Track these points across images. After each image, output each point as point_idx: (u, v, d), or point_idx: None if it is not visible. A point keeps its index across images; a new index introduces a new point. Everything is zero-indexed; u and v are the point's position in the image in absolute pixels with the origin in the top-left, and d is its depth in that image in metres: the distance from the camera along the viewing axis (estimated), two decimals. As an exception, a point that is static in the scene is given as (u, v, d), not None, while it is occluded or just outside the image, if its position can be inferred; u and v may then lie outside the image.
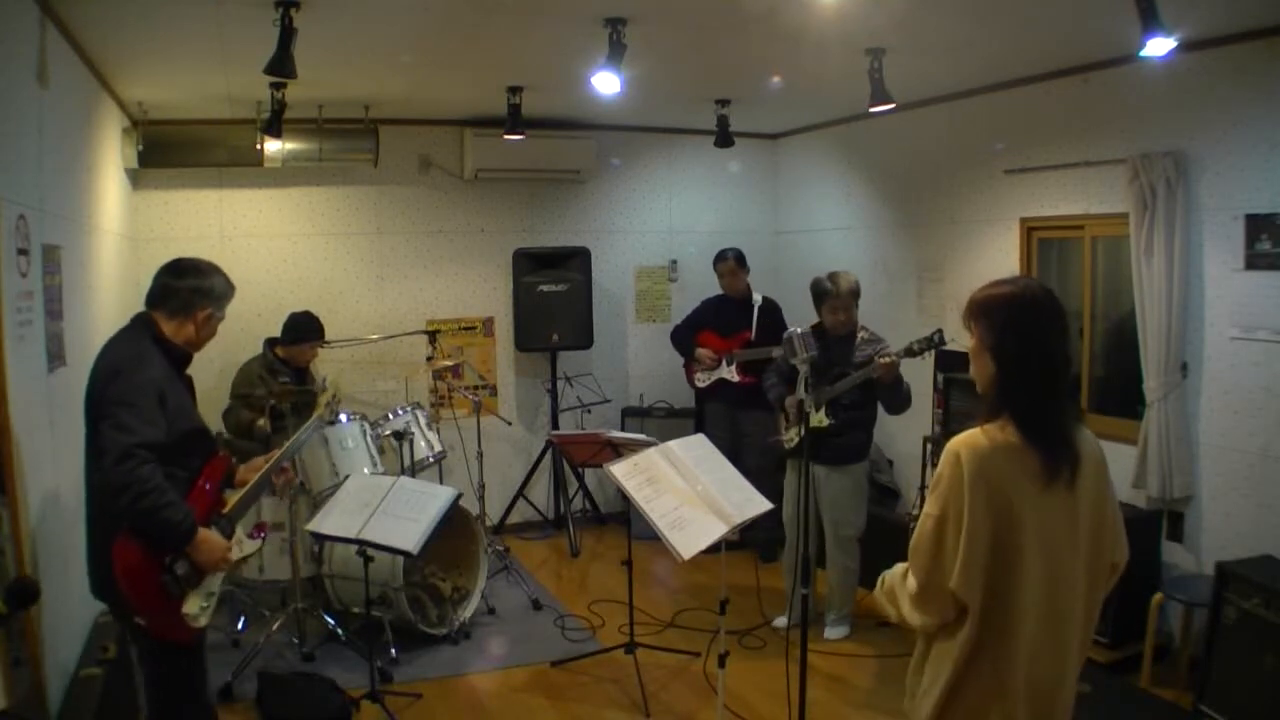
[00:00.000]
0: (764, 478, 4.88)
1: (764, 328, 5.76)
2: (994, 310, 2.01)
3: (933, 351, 4.23)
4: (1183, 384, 4.18)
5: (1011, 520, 1.91)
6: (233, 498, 2.89)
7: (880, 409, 4.52)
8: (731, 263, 5.86)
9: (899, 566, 2.17)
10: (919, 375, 4.93)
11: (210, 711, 3.01)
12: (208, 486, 2.79)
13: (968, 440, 1.95)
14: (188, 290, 2.82)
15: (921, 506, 2.10)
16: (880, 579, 2.24)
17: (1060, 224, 4.89)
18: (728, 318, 5.92)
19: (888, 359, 4.16)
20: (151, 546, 2.58)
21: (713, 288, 6.38)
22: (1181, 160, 4.11)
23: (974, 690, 1.97)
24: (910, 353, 4.17)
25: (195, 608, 2.66)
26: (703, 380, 5.93)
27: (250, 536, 2.93)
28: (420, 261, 6.35)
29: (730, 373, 5.76)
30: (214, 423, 5.15)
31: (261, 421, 4.66)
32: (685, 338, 6.06)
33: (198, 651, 2.84)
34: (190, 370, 2.98)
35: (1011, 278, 2.10)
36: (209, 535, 2.68)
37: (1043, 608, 1.94)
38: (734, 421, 5.82)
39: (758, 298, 5.88)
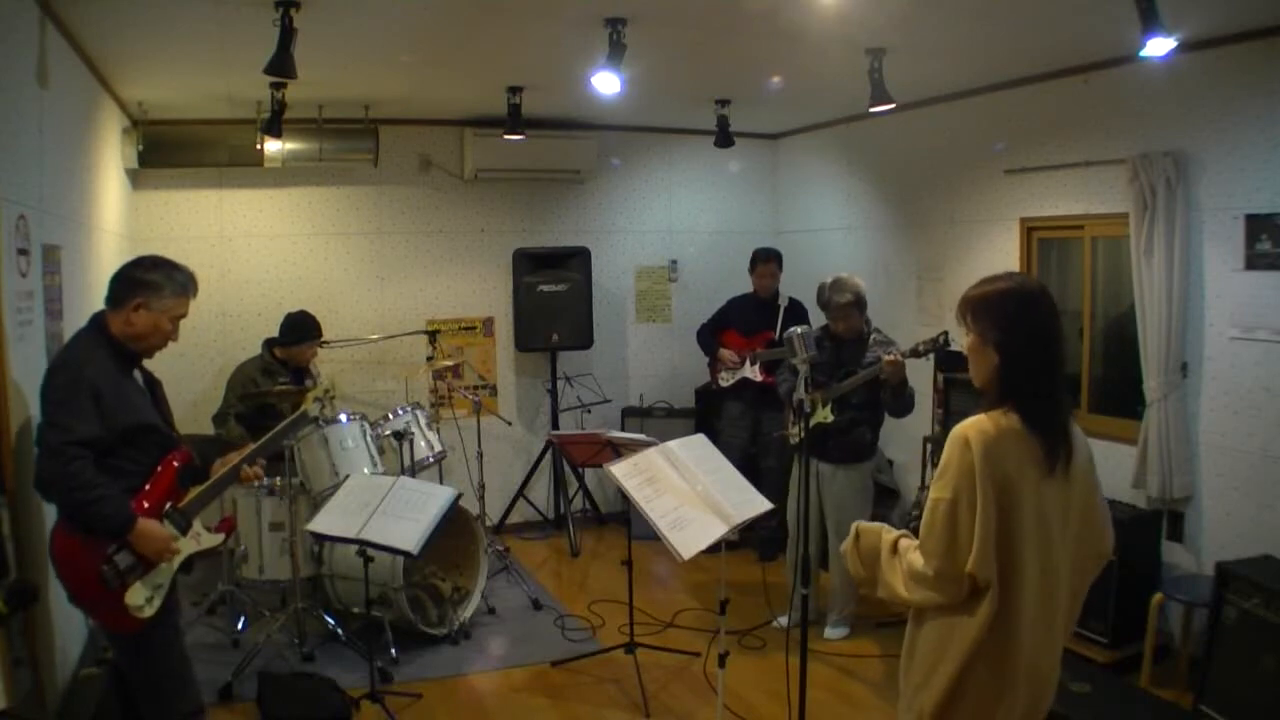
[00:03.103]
0: (783, 478, 4.90)
1: (789, 328, 5.75)
2: (996, 306, 2.04)
3: (935, 353, 4.24)
4: (1183, 384, 4.18)
5: (1014, 503, 1.96)
6: (192, 491, 2.90)
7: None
8: (774, 264, 5.82)
9: (886, 534, 2.20)
10: (919, 376, 4.93)
11: (196, 700, 2.99)
12: (159, 479, 2.81)
13: (975, 425, 2.00)
14: (124, 281, 2.81)
15: (922, 508, 2.12)
16: (854, 530, 2.26)
17: (1060, 224, 4.89)
18: (751, 317, 5.91)
19: (893, 357, 4.18)
20: (90, 537, 2.63)
21: (713, 287, 6.40)
22: (1181, 160, 4.10)
23: (983, 675, 2.00)
24: (915, 353, 4.19)
25: (139, 598, 2.68)
26: (726, 380, 5.91)
27: (213, 530, 2.93)
28: (420, 261, 6.35)
29: (754, 372, 5.75)
30: (201, 421, 5.16)
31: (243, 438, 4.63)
32: (709, 337, 6.05)
33: (164, 640, 2.82)
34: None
35: (1005, 274, 2.13)
36: (150, 527, 2.70)
37: (1038, 592, 2.00)
38: (755, 421, 5.82)
39: (784, 298, 5.88)
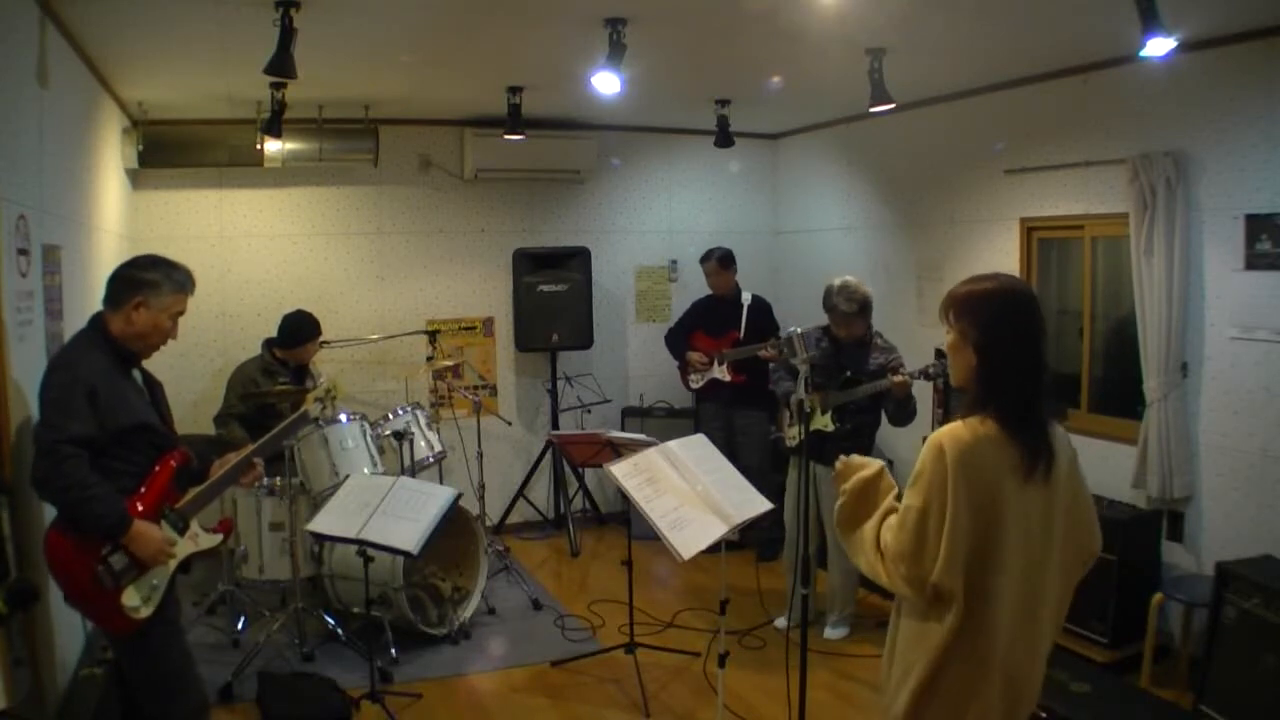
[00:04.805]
0: (761, 476, 4.90)
1: (753, 326, 5.78)
2: (979, 306, 2.03)
3: (944, 377, 4.22)
4: (1183, 384, 4.18)
5: (992, 512, 1.95)
6: (191, 492, 2.89)
7: (883, 415, 4.52)
8: (714, 263, 5.88)
9: (888, 502, 2.17)
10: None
11: (199, 698, 2.99)
12: (156, 480, 2.81)
13: (951, 433, 1.98)
14: (122, 280, 2.81)
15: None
16: (878, 466, 2.23)
17: (1060, 224, 4.88)
18: (717, 318, 5.94)
19: (902, 379, 4.17)
20: (85, 538, 2.62)
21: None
22: (1181, 160, 4.11)
23: (954, 677, 2.00)
24: (926, 376, 4.18)
25: (135, 599, 2.67)
26: (696, 382, 5.95)
27: (211, 531, 2.93)
28: (420, 261, 6.35)
29: (722, 372, 5.77)
30: (201, 422, 5.16)
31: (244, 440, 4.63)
32: (678, 341, 6.09)
33: (163, 639, 2.81)
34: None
35: (992, 274, 2.11)
36: (145, 528, 2.69)
37: (1019, 597, 1.99)
38: (729, 421, 5.85)
39: (747, 296, 5.90)
